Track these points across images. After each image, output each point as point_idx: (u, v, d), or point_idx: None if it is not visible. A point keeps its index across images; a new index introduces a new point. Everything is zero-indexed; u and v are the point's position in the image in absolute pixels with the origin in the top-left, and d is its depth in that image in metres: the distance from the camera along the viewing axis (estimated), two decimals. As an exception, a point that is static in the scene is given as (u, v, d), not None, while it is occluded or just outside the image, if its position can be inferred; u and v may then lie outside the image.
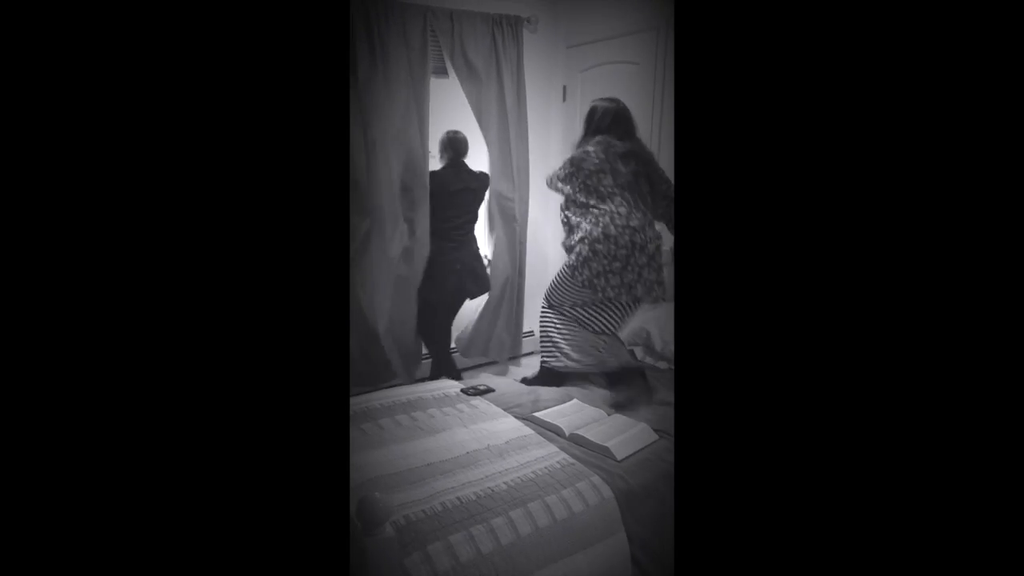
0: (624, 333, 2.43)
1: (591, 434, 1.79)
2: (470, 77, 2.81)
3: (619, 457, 1.69)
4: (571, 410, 1.99)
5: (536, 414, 1.95)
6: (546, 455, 1.69)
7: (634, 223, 2.11)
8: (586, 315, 2.27)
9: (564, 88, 3.23)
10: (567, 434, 1.82)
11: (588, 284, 2.15)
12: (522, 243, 3.09)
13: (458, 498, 1.47)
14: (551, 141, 3.32)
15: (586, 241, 2.13)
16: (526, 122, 3.04)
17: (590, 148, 2.18)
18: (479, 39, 2.81)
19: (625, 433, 1.80)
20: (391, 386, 2.50)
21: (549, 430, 1.86)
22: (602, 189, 2.14)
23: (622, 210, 2.12)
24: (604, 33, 2.92)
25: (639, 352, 2.42)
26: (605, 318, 2.27)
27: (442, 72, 2.85)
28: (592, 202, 2.15)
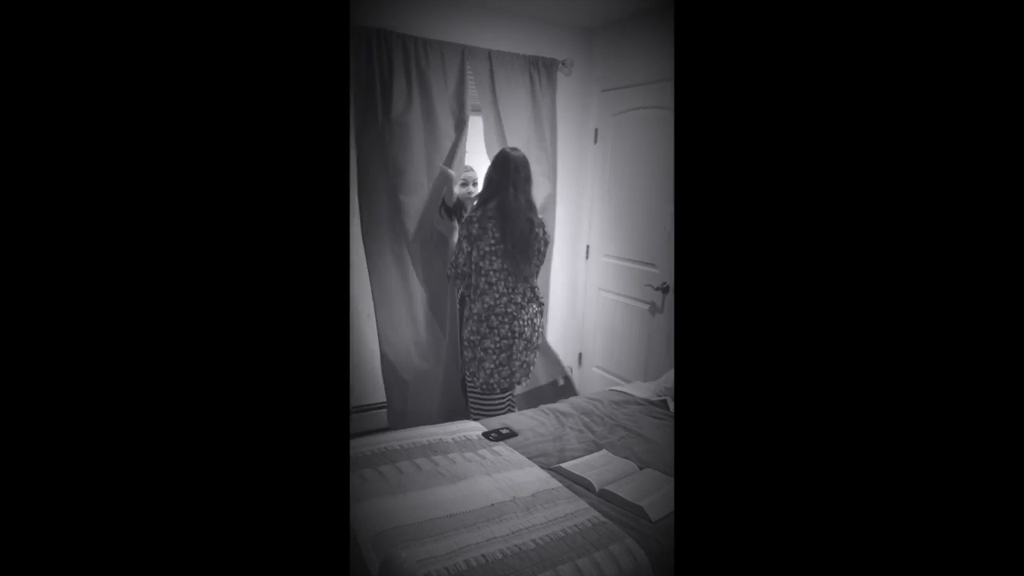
0: (658, 383, 2.46)
1: (623, 491, 1.68)
2: (504, 115, 2.80)
3: (654, 518, 1.57)
4: (600, 462, 1.88)
5: (563, 465, 1.85)
6: (575, 511, 1.59)
7: (511, 309, 2.26)
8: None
9: (596, 131, 3.22)
10: (597, 489, 1.71)
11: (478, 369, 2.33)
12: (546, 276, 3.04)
13: (483, 555, 1.36)
14: (583, 182, 3.29)
15: (473, 329, 2.30)
16: (555, 160, 3.02)
17: (487, 224, 2.21)
18: (515, 79, 2.82)
19: (660, 491, 1.69)
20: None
21: (578, 483, 1.75)
22: (484, 264, 2.23)
23: (504, 298, 2.25)
24: (637, 79, 2.91)
25: (669, 403, 2.32)
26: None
27: (476, 110, 2.86)
28: (480, 285, 2.26)
